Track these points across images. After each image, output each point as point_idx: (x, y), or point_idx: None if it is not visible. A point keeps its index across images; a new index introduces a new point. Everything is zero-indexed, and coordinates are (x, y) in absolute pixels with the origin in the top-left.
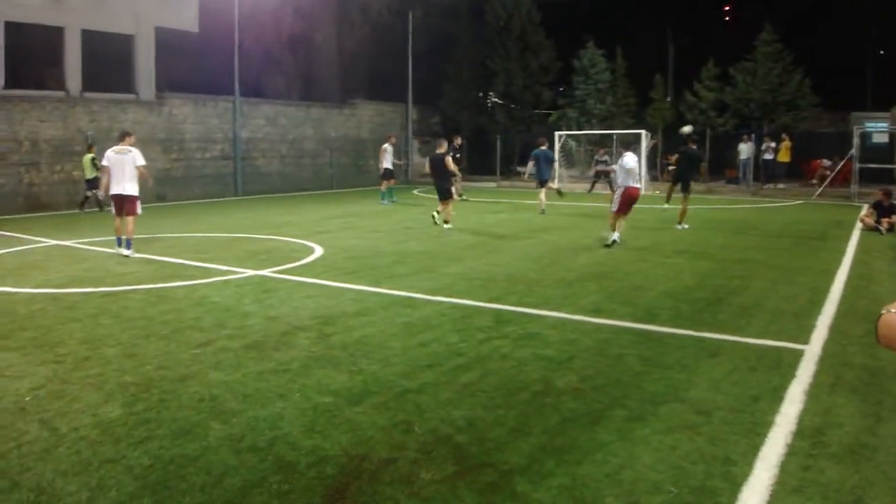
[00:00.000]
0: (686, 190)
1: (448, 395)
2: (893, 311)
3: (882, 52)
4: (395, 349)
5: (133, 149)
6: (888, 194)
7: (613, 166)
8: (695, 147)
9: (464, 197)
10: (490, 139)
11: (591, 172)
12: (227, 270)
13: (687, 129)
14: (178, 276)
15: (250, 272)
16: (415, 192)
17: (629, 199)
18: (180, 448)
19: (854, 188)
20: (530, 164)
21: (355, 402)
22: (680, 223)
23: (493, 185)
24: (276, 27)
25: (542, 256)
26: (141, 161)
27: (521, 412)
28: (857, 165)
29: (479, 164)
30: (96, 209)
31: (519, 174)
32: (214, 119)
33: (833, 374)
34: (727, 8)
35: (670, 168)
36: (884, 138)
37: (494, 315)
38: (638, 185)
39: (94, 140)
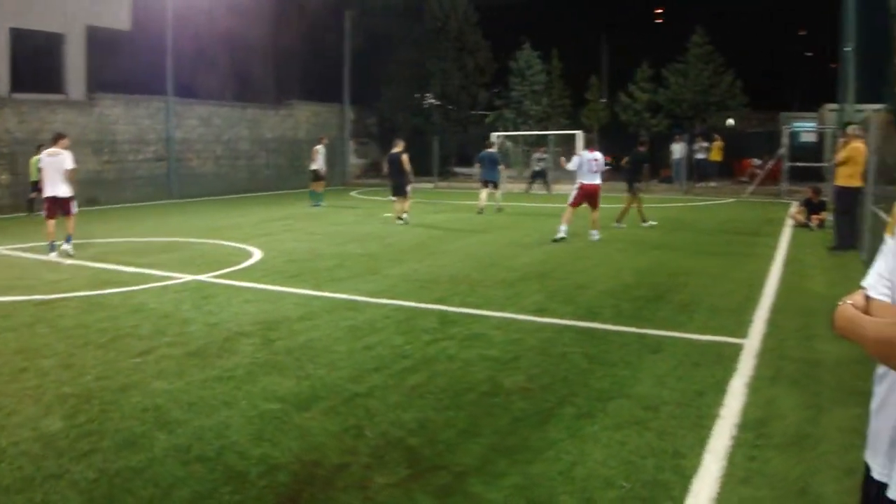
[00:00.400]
0: (630, 191)
1: (397, 398)
2: (849, 302)
3: (809, 53)
4: (340, 353)
5: (63, 151)
6: (818, 192)
7: (569, 165)
8: (643, 150)
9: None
10: (427, 140)
11: (528, 173)
12: (165, 276)
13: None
14: (113, 282)
15: (188, 277)
16: (352, 193)
17: (584, 194)
18: (126, 460)
19: (783, 186)
20: (476, 165)
21: (304, 408)
22: (644, 221)
23: (430, 185)
24: (210, 25)
25: (483, 257)
26: (69, 165)
27: (471, 413)
28: (786, 164)
29: (416, 165)
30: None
31: (456, 175)
32: (147, 120)
33: (773, 367)
34: (659, 11)
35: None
36: (812, 137)
37: (439, 316)
38: (594, 182)
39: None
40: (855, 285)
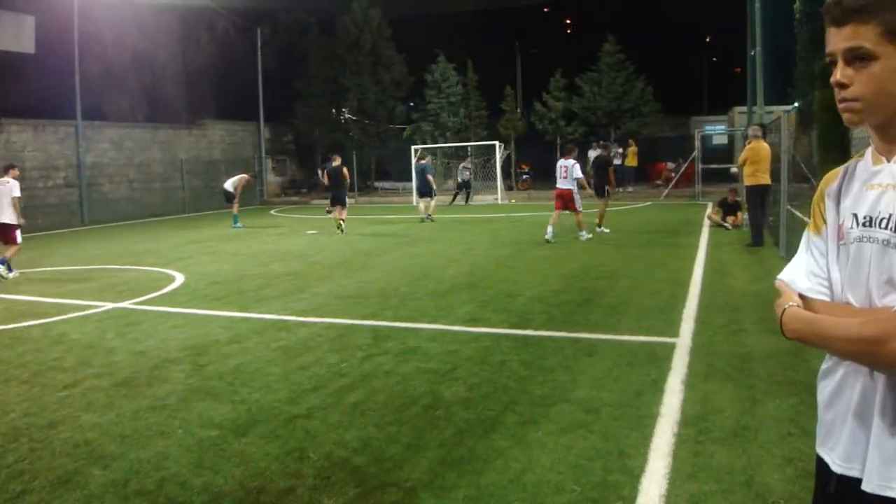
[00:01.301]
0: (601, 195)
1: (337, 418)
2: (795, 305)
3: (714, 59)
4: (275, 374)
5: (11, 180)
6: (735, 192)
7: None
8: (605, 153)
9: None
10: (346, 155)
11: (455, 184)
12: (85, 305)
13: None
14: (31, 314)
15: (110, 305)
16: (272, 212)
17: (557, 197)
18: (61, 500)
19: (698, 188)
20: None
21: (242, 434)
22: (599, 226)
23: (350, 201)
24: (118, 46)
25: (411, 270)
26: (16, 193)
27: (415, 427)
28: (699, 166)
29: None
30: None
31: (377, 189)
32: (56, 145)
33: (705, 363)
34: (568, 21)
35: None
36: (723, 140)
37: (372, 332)
38: (564, 187)
39: None
40: (773, 278)
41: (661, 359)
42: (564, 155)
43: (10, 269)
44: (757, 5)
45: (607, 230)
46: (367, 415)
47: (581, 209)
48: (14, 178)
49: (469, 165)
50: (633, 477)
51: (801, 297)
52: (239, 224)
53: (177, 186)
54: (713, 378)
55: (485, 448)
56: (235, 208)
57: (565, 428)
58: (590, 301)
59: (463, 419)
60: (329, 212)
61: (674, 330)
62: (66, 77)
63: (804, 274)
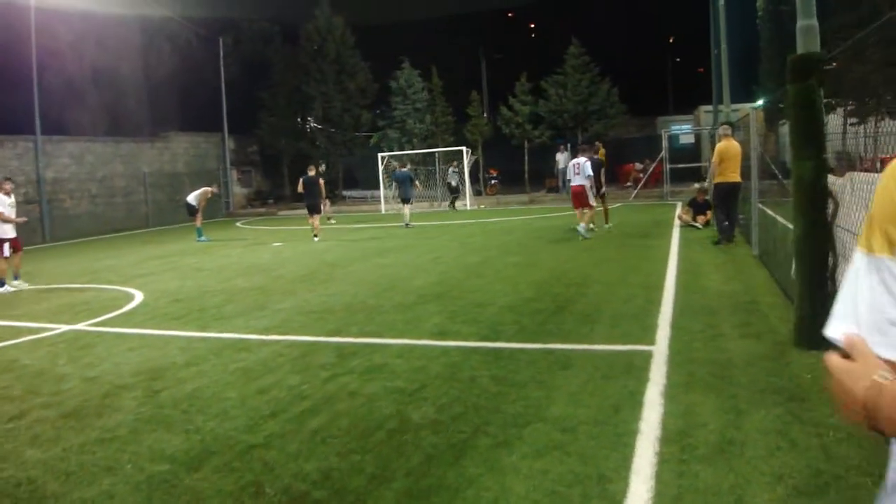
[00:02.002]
0: (598, 195)
1: (297, 447)
2: (889, 378)
3: (678, 59)
4: (232, 400)
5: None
6: (704, 192)
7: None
8: (595, 156)
9: (332, 220)
10: (312, 164)
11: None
12: (38, 328)
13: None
14: None
15: (64, 327)
16: (238, 224)
17: (573, 194)
18: None
19: (667, 188)
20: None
21: (195, 468)
22: (606, 223)
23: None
24: (77, 59)
25: (377, 281)
26: (2, 208)
27: (380, 455)
28: (667, 166)
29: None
30: None
31: (345, 198)
32: (14, 161)
33: (684, 372)
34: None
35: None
36: (690, 139)
37: (336, 349)
38: (577, 183)
39: None
40: (747, 279)
41: (638, 369)
42: (576, 153)
43: (1, 284)
44: (721, 3)
45: (608, 225)
46: (328, 442)
47: (594, 205)
48: (6, 192)
49: (457, 170)
50: (615, 503)
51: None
52: (203, 237)
53: (140, 200)
54: (694, 388)
55: (455, 476)
56: (199, 221)
57: (541, 450)
58: (562, 309)
59: (431, 444)
60: (329, 218)
61: (650, 337)
62: (25, 92)
63: (883, 322)
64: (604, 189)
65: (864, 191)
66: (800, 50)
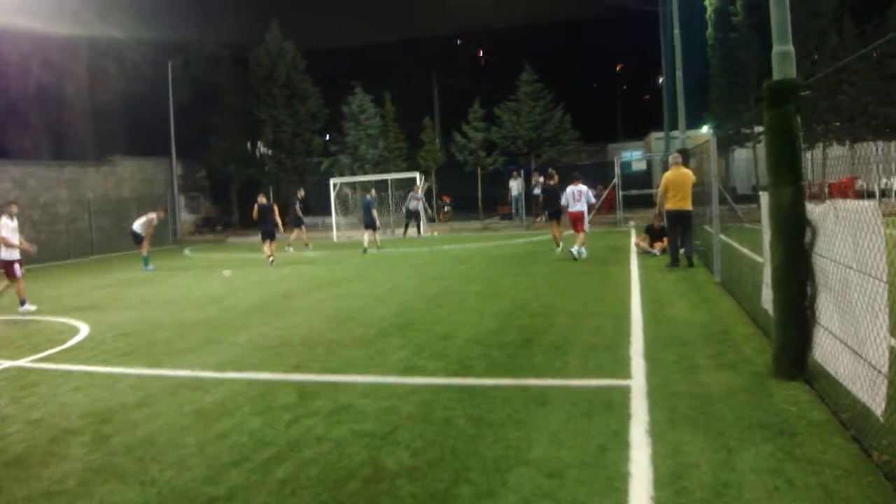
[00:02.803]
0: (555, 218)
1: (264, 499)
2: None
3: (626, 87)
4: (190, 446)
5: (3, 218)
6: (659, 217)
7: (562, 201)
8: (553, 183)
9: (310, 247)
10: (262, 190)
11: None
12: None
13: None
14: None
15: (5, 363)
16: (186, 252)
17: (572, 219)
18: None
19: (620, 214)
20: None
21: None
22: (558, 246)
23: None
24: (21, 79)
25: (335, 313)
26: (4, 232)
27: None
28: (620, 193)
29: (251, 216)
30: None
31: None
32: None
33: (666, 407)
34: (482, 52)
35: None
36: (642, 165)
37: (297, 388)
38: (576, 209)
39: None
40: (714, 307)
41: (618, 405)
42: (573, 182)
43: (22, 303)
44: (676, 31)
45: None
46: (298, 494)
47: (587, 230)
48: (11, 216)
49: (420, 195)
50: None
51: None
52: (150, 267)
53: (84, 227)
54: (679, 425)
55: None
56: (145, 250)
57: (528, 498)
58: (530, 341)
59: (410, 494)
60: (288, 246)
61: (625, 370)
62: None
63: None
64: (560, 214)
65: (849, 219)
66: (776, 76)
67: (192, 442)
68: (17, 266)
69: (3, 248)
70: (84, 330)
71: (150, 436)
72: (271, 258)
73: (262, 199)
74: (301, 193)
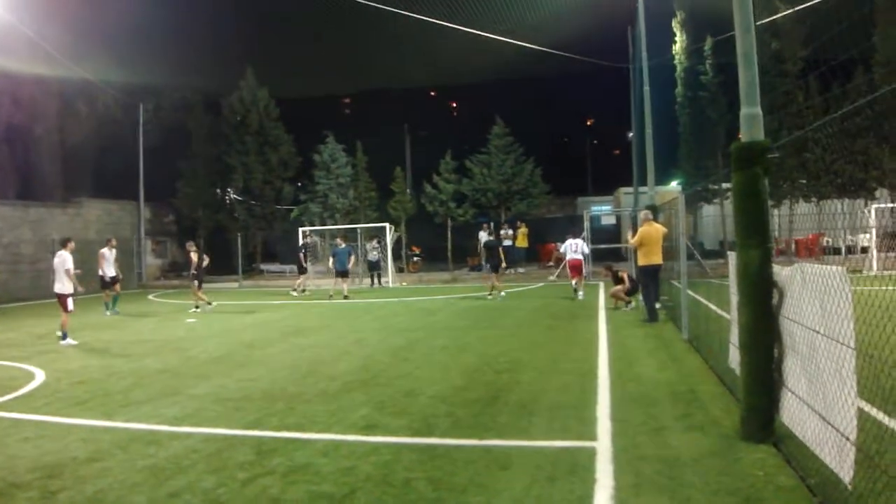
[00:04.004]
0: (495, 270)
1: None
2: None
3: (595, 141)
4: None
5: (63, 252)
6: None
7: (561, 249)
8: (492, 238)
9: (305, 291)
10: (230, 237)
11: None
12: None
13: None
14: None
15: None
16: (150, 297)
17: (571, 266)
18: None
19: (588, 267)
20: (331, 259)
21: None
22: (499, 292)
23: (234, 285)
24: None
25: (298, 365)
26: (68, 265)
27: None
28: (589, 246)
29: (218, 263)
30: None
31: (262, 272)
32: None
33: (632, 471)
34: (454, 104)
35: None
36: (611, 220)
37: (255, 445)
38: (576, 257)
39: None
40: (681, 366)
41: (583, 468)
42: (571, 235)
43: (64, 337)
44: (646, 88)
45: (503, 294)
46: None
47: (584, 275)
48: (70, 251)
49: (377, 245)
50: None
51: None
52: (109, 311)
53: (47, 269)
54: (645, 490)
55: None
56: (109, 294)
57: None
58: (496, 399)
59: None
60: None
61: (591, 431)
62: None
63: None
64: (502, 266)
65: (816, 283)
66: (744, 138)
67: (142, 501)
68: (70, 300)
69: (59, 283)
70: (40, 376)
71: (99, 493)
72: (207, 304)
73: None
74: (307, 240)
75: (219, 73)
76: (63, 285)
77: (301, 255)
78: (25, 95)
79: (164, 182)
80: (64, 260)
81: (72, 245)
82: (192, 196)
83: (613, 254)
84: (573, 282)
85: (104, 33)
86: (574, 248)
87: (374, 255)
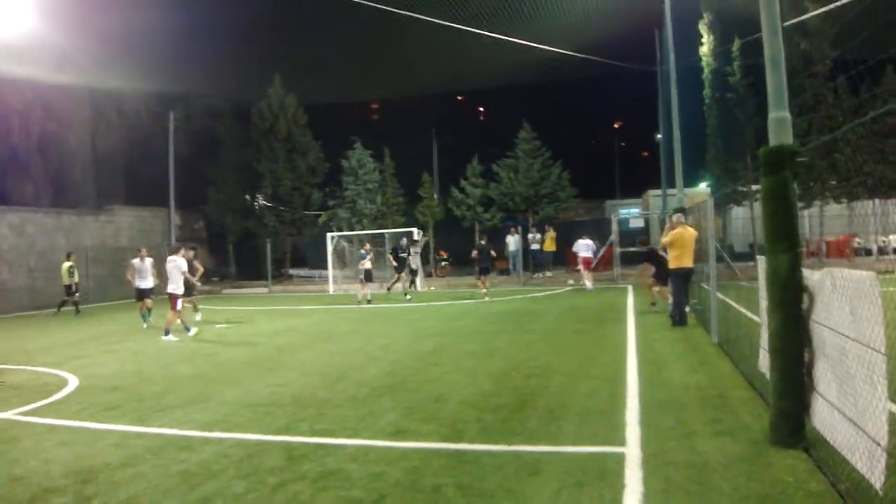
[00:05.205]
0: (485, 273)
1: None
2: None
3: (623, 144)
4: None
5: (177, 258)
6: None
7: (575, 248)
8: (484, 243)
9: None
10: (259, 243)
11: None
12: None
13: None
14: None
15: None
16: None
17: (584, 262)
18: None
19: (617, 271)
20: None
21: None
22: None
23: (264, 290)
24: (23, 127)
25: (327, 370)
26: (183, 268)
27: None
28: (617, 249)
29: (248, 268)
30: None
31: (292, 277)
32: None
33: (661, 477)
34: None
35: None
36: (639, 223)
37: (285, 450)
38: (586, 255)
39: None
40: (711, 370)
41: (612, 474)
42: (582, 237)
43: (167, 333)
44: (674, 90)
45: (487, 298)
46: None
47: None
48: (185, 257)
49: (418, 250)
50: None
51: None
52: (149, 320)
53: (81, 275)
54: (673, 496)
55: None
56: (143, 305)
57: None
58: (525, 404)
59: None
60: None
61: (620, 437)
62: None
63: None
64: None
65: (846, 288)
66: (772, 142)
67: None
68: (179, 300)
69: (173, 283)
70: (73, 382)
71: (132, 499)
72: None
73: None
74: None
75: (247, 81)
76: (176, 286)
77: (401, 255)
78: (57, 105)
79: (194, 189)
80: (179, 264)
81: (182, 252)
82: (222, 202)
83: (642, 257)
84: (584, 274)
85: (133, 42)
86: (582, 248)
87: (414, 263)
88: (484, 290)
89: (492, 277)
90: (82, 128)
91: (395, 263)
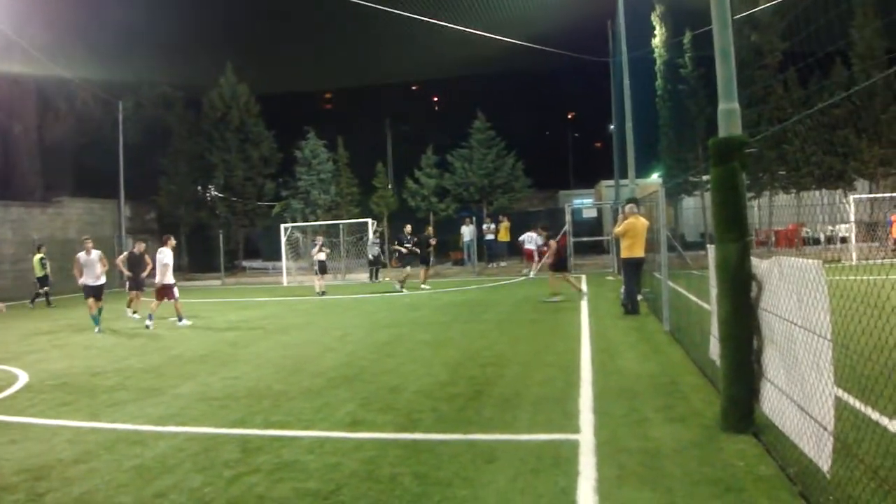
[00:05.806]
0: (425, 264)
1: None
2: None
3: (577, 135)
4: None
5: (164, 249)
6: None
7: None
8: (426, 234)
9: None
10: (212, 234)
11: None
12: None
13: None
14: None
15: None
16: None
17: (528, 253)
18: None
19: (571, 261)
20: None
21: None
22: (423, 283)
23: (217, 282)
24: None
25: (282, 362)
26: (167, 260)
27: None
28: (571, 239)
29: (200, 260)
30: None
31: (245, 269)
32: None
33: (614, 463)
34: (436, 99)
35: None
36: (592, 213)
37: (240, 443)
38: (530, 247)
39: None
40: (663, 357)
41: (566, 461)
42: (533, 230)
43: (180, 319)
44: (626, 81)
45: (427, 287)
46: None
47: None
48: (170, 246)
49: (377, 241)
50: None
51: None
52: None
53: (28, 269)
54: (626, 482)
55: None
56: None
57: None
58: (480, 393)
59: None
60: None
61: (574, 424)
62: None
63: None
64: (432, 259)
65: (793, 276)
66: (722, 133)
67: (128, 501)
68: (175, 289)
69: (161, 274)
70: (23, 378)
71: (86, 494)
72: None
73: (139, 247)
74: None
75: (199, 70)
76: (164, 278)
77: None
78: (3, 94)
79: (145, 180)
80: (164, 255)
81: (170, 242)
82: (174, 193)
83: (596, 247)
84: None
85: (82, 30)
86: (529, 239)
87: (374, 251)
88: (409, 281)
89: (446, 267)
90: (28, 117)
91: (404, 251)
